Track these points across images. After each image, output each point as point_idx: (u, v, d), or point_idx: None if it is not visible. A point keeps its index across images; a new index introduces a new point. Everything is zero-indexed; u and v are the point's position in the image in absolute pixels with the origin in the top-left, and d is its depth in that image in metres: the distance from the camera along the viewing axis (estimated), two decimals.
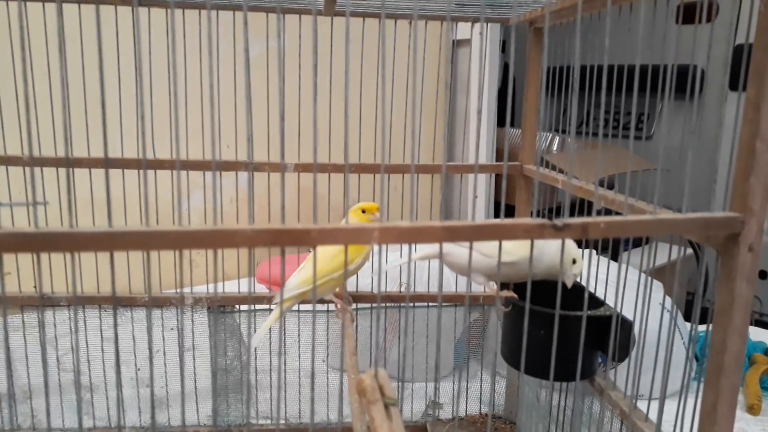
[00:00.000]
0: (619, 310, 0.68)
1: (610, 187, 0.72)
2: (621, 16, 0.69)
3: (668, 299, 1.10)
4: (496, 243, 0.75)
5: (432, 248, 0.84)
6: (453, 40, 2.20)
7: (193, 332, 0.99)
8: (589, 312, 0.72)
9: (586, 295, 0.53)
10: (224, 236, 0.43)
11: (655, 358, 0.64)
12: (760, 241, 0.49)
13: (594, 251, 1.35)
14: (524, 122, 0.98)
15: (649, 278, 0.66)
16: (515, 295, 0.75)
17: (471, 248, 0.48)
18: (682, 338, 1.33)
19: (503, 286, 0.80)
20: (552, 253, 0.75)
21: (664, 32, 0.56)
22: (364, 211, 0.87)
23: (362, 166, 0.97)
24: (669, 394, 0.63)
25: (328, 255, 0.86)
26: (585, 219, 0.47)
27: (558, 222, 0.46)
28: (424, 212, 1.15)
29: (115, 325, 0.48)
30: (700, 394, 0.53)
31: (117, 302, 0.97)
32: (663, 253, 0.72)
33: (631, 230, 0.47)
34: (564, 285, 0.81)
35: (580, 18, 0.50)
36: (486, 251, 0.75)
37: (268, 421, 1.04)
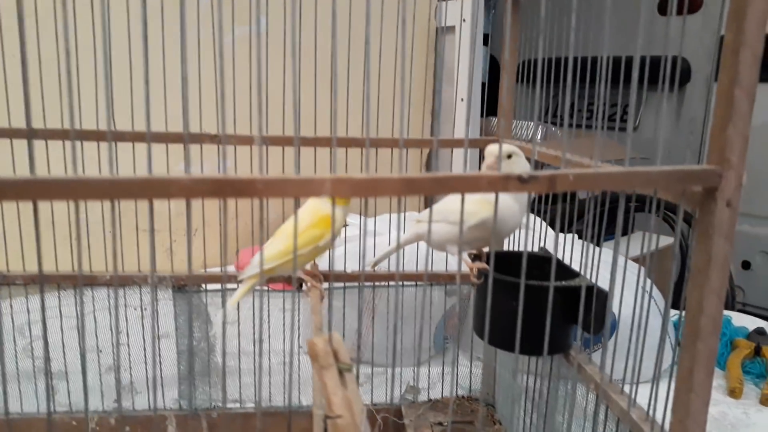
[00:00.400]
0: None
1: None
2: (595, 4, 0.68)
3: (650, 286, 1.08)
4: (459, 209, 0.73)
5: (410, 232, 0.81)
6: (437, 27, 2.17)
7: (156, 312, 0.95)
8: (561, 282, 0.69)
9: (554, 262, 0.50)
10: (158, 186, 0.40)
11: (628, 341, 0.61)
12: (738, 196, 0.46)
13: (576, 236, 1.32)
14: (502, 92, 0.95)
15: (627, 260, 0.63)
16: (487, 266, 0.72)
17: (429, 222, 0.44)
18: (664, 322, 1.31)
19: (476, 257, 0.78)
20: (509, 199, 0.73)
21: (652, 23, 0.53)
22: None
23: (348, 140, 0.93)
24: (644, 380, 0.60)
25: (300, 227, 0.83)
26: (553, 171, 0.44)
27: (524, 174, 0.43)
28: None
29: (82, 303, 0.44)
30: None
31: (75, 281, 0.93)
32: (642, 243, 0.70)
33: (602, 183, 0.44)
34: (537, 257, 0.78)
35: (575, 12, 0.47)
36: (453, 219, 0.72)
37: (237, 405, 1.00)
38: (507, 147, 0.74)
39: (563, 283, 0.69)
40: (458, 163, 1.87)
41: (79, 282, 0.88)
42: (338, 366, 0.45)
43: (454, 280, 0.98)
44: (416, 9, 0.99)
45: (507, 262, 0.75)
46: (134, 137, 0.89)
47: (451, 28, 2.14)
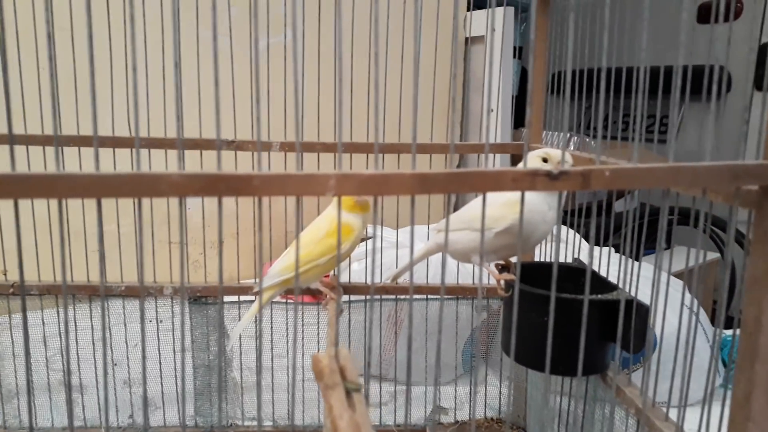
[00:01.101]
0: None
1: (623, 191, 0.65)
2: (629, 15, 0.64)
3: (697, 305, 1.00)
4: (487, 214, 0.68)
5: (431, 243, 0.77)
6: (466, 38, 2.13)
7: (173, 325, 0.92)
8: (597, 296, 0.63)
9: (589, 273, 0.44)
10: (147, 183, 0.36)
11: (674, 361, 0.55)
12: None
13: (613, 249, 1.25)
14: (533, 97, 0.90)
15: (669, 276, 0.57)
16: (515, 278, 0.66)
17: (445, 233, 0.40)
18: (709, 341, 1.22)
19: (504, 268, 0.72)
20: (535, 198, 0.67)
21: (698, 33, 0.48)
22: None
23: (354, 145, 0.89)
24: (692, 402, 0.54)
25: (314, 238, 0.79)
26: (586, 167, 0.39)
27: (553, 169, 0.38)
28: (436, 200, 1.08)
29: (104, 315, 0.40)
30: (728, 402, 0.45)
31: (92, 291, 0.90)
32: (684, 258, 0.64)
33: (642, 180, 0.39)
34: (570, 269, 0.72)
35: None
36: (479, 225, 0.67)
37: (255, 423, 0.96)
38: (544, 149, 0.68)
39: (599, 296, 0.63)
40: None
41: (102, 292, 0.86)
42: (346, 385, 0.40)
43: (474, 293, 0.93)
44: (445, 18, 0.97)
45: (537, 273, 0.70)
46: (151, 143, 0.87)
47: (480, 38, 2.10)
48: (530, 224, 0.68)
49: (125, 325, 0.91)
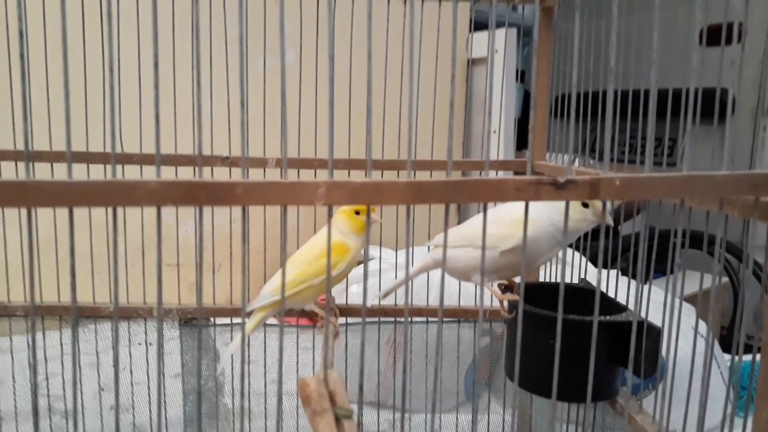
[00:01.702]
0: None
1: (638, 211, 0.62)
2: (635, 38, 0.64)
3: (702, 326, 0.97)
4: (491, 232, 0.65)
5: (427, 258, 0.74)
6: (468, 59, 2.13)
7: (161, 347, 0.88)
8: (606, 317, 0.60)
9: (598, 295, 0.41)
10: (121, 190, 0.34)
11: (689, 387, 0.52)
12: None
13: (620, 273, 1.22)
14: (535, 114, 0.88)
15: (680, 300, 0.55)
16: (518, 298, 0.63)
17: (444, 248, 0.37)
18: (719, 368, 1.18)
19: (507, 288, 0.69)
20: (555, 219, 0.64)
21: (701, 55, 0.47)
22: (358, 213, 0.77)
23: (352, 162, 0.87)
24: (707, 430, 0.51)
25: (309, 258, 0.76)
26: (595, 175, 0.36)
27: (560, 178, 0.36)
28: (437, 218, 1.05)
29: (74, 334, 0.38)
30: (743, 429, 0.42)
31: (79, 312, 0.87)
32: (694, 282, 0.61)
33: (655, 190, 0.36)
34: (577, 290, 0.69)
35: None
36: (486, 243, 0.64)
37: None
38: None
39: (608, 317, 0.60)
40: None
41: (115, 314, 0.83)
42: (335, 411, 0.37)
43: (484, 315, 0.90)
44: (447, 39, 0.96)
45: (542, 294, 0.67)
46: (142, 159, 0.85)
47: (482, 59, 2.09)
48: (538, 244, 0.65)
49: (113, 347, 0.87)
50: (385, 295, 0.83)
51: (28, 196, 0.33)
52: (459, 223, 0.81)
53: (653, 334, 0.55)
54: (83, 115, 0.81)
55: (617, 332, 0.58)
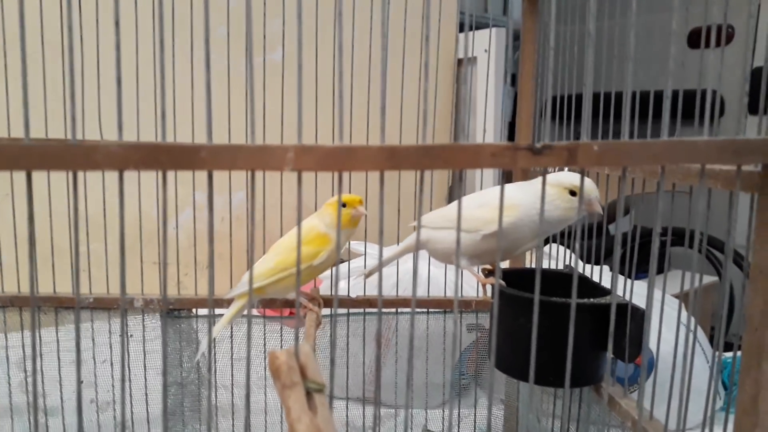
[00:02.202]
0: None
1: (627, 211, 0.62)
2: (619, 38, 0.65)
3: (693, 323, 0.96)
4: (475, 216, 0.64)
5: (409, 239, 0.73)
6: (459, 58, 2.13)
7: (144, 339, 0.87)
8: (588, 300, 0.59)
9: (575, 276, 0.40)
10: (81, 153, 0.32)
11: (671, 377, 0.51)
12: None
13: (607, 268, 1.21)
14: (520, 100, 0.87)
15: (664, 294, 0.54)
16: (502, 282, 0.62)
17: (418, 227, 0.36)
18: (708, 361, 1.17)
19: (490, 273, 0.68)
20: (540, 206, 0.62)
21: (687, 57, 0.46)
22: (344, 205, 0.75)
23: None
24: (691, 426, 0.50)
25: (290, 245, 0.75)
26: (573, 142, 0.35)
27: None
28: (426, 207, 1.05)
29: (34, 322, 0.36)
30: (730, 426, 0.41)
31: (58, 303, 0.86)
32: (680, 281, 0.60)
33: (635, 156, 0.35)
34: (561, 275, 0.68)
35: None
36: (467, 227, 0.63)
37: None
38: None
39: (591, 300, 0.59)
40: (487, 179, 1.80)
41: (122, 305, 0.82)
42: (306, 385, 0.36)
43: (470, 306, 0.89)
44: (436, 39, 0.96)
45: (527, 280, 0.66)
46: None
47: (474, 59, 2.09)
48: (520, 230, 0.64)
49: (93, 340, 0.86)
50: (369, 274, 0.81)
51: None
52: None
53: (637, 316, 0.54)
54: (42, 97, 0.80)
55: (601, 315, 0.57)
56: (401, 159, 0.34)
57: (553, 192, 0.61)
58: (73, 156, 0.32)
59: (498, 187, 0.67)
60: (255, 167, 0.33)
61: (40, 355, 0.86)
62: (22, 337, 0.85)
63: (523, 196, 0.63)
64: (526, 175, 0.83)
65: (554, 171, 0.66)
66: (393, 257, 0.75)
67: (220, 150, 0.33)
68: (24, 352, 0.85)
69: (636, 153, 0.35)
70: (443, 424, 1.00)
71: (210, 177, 0.34)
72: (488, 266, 0.69)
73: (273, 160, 0.33)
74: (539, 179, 0.64)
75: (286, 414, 0.35)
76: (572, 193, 0.62)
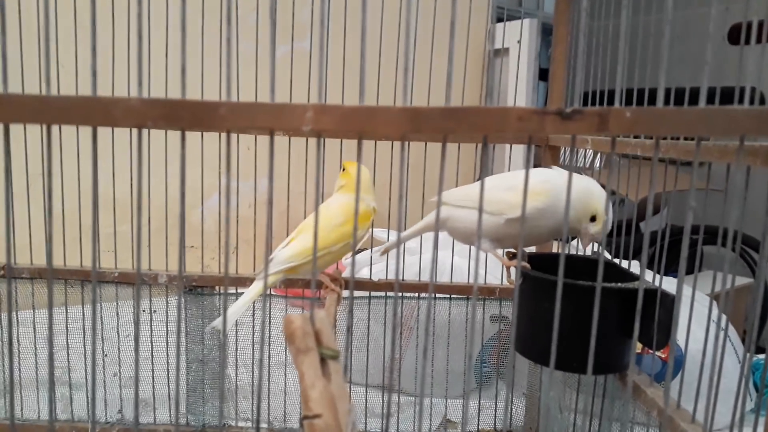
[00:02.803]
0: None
1: (658, 208, 0.60)
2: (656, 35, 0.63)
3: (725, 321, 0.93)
4: (502, 198, 0.62)
5: (430, 217, 0.71)
6: (490, 50, 2.10)
7: (167, 315, 0.88)
8: (617, 285, 0.57)
9: (601, 260, 0.39)
10: (100, 107, 0.32)
11: (699, 375, 0.49)
12: None
13: (636, 263, 1.18)
14: (551, 90, 0.85)
15: (695, 291, 0.52)
16: (527, 266, 0.60)
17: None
18: (740, 362, 1.14)
19: (514, 255, 0.67)
20: (571, 204, 0.61)
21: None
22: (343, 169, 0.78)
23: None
24: (719, 427, 0.48)
25: (330, 224, 0.75)
26: (605, 107, 0.34)
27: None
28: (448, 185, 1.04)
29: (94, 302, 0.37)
30: (760, 428, 0.39)
31: (84, 276, 0.87)
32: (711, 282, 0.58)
33: (669, 124, 0.34)
34: (589, 261, 0.66)
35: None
36: (492, 209, 0.61)
37: (249, 424, 0.91)
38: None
39: (619, 285, 0.57)
40: (517, 162, 1.78)
41: (139, 280, 0.83)
42: (320, 351, 0.35)
43: (493, 293, 0.87)
44: (470, 30, 0.96)
45: (554, 265, 0.64)
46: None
47: (506, 51, 2.06)
48: (545, 219, 0.62)
49: (117, 314, 0.87)
50: (386, 251, 0.81)
51: (2, 110, 0.32)
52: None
53: (667, 302, 0.52)
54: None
55: (629, 301, 0.55)
56: (424, 121, 0.33)
57: (579, 206, 0.60)
58: (92, 110, 0.32)
59: (531, 170, 0.65)
60: (274, 126, 0.33)
61: (66, 329, 0.88)
62: (50, 311, 0.86)
63: (552, 186, 0.61)
64: (555, 154, 0.82)
65: (588, 169, 0.64)
66: (412, 234, 0.74)
67: (239, 107, 0.32)
68: (51, 327, 0.86)
69: (670, 120, 0.33)
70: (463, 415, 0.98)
71: (228, 137, 0.34)
72: (513, 249, 0.68)
73: (292, 118, 0.33)
74: (578, 177, 0.62)
75: (299, 379, 0.34)
76: (592, 218, 0.61)
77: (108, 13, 0.80)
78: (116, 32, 0.83)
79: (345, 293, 0.86)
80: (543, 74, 2.49)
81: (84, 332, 0.87)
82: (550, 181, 0.62)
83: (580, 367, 0.56)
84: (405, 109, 0.33)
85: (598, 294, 0.37)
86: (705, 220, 0.56)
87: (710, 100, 0.46)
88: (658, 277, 0.61)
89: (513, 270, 0.64)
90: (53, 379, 0.36)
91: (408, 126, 0.33)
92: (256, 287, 0.74)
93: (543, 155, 0.85)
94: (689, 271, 1.84)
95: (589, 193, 0.60)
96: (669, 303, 0.53)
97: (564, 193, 0.59)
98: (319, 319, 0.36)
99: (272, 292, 0.87)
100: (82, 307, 0.87)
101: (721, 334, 0.48)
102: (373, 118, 0.33)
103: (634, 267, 1.16)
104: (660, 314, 0.53)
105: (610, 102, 0.77)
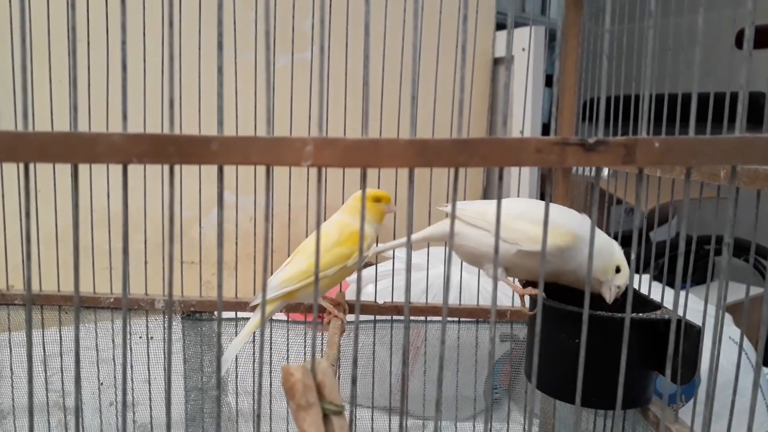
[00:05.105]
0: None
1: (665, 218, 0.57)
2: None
3: (739, 340, 0.90)
4: (520, 227, 0.59)
5: (436, 227, 0.68)
6: (494, 58, 2.08)
7: (165, 341, 0.85)
8: (638, 315, 0.54)
9: (630, 292, 0.36)
10: (81, 144, 0.29)
11: (711, 392, 0.46)
12: None
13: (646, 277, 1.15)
14: (562, 98, 0.82)
15: (724, 305, 0.49)
16: (540, 292, 0.57)
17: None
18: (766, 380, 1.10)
19: (528, 283, 0.63)
20: (593, 251, 0.58)
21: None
22: (379, 200, 0.72)
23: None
24: None
25: (325, 245, 0.71)
26: (631, 137, 0.31)
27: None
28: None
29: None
30: None
31: (79, 302, 0.84)
32: (733, 292, 0.55)
33: (704, 155, 0.31)
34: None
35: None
36: (506, 236, 0.58)
37: None
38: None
39: (641, 315, 0.54)
40: (524, 189, 1.74)
41: (149, 306, 0.80)
42: (323, 406, 0.32)
43: (505, 316, 0.84)
44: (475, 38, 0.94)
45: (569, 292, 0.61)
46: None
47: (510, 58, 2.03)
48: (562, 259, 0.58)
49: (113, 340, 0.84)
50: (379, 253, 0.78)
51: None
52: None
53: (692, 334, 0.49)
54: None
55: (651, 332, 0.52)
56: (433, 154, 0.30)
57: (606, 256, 0.58)
58: (72, 147, 0.29)
59: (555, 206, 0.62)
60: (270, 162, 0.30)
61: (60, 357, 0.85)
62: (43, 335, 0.83)
63: (582, 231, 0.58)
64: (567, 176, 0.79)
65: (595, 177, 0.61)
66: (414, 241, 0.71)
67: (232, 142, 0.30)
68: (44, 350, 0.83)
69: (704, 150, 0.31)
70: None
71: (220, 172, 0.31)
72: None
73: (290, 153, 0.30)
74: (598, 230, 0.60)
75: None
76: (617, 269, 0.58)
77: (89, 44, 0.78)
78: (110, 63, 0.80)
79: (350, 317, 0.83)
80: (547, 80, 2.46)
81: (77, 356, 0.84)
82: (574, 224, 0.59)
83: (600, 402, 0.53)
84: (412, 141, 0.30)
85: (627, 326, 0.34)
86: (717, 229, 0.53)
87: (719, 106, 0.42)
88: (674, 293, 0.58)
89: (527, 298, 0.61)
90: (32, 409, 0.33)
91: (416, 160, 0.30)
92: (253, 321, 0.72)
93: (554, 175, 0.83)
94: (701, 281, 1.81)
95: (612, 245, 0.59)
96: (694, 335, 0.49)
97: (585, 238, 0.56)
98: (321, 370, 0.33)
99: (272, 318, 0.84)
100: (76, 330, 0.84)
101: (739, 350, 0.45)
102: (378, 151, 0.30)
103: (644, 280, 1.12)
104: (684, 347, 0.49)
105: (626, 107, 0.74)
